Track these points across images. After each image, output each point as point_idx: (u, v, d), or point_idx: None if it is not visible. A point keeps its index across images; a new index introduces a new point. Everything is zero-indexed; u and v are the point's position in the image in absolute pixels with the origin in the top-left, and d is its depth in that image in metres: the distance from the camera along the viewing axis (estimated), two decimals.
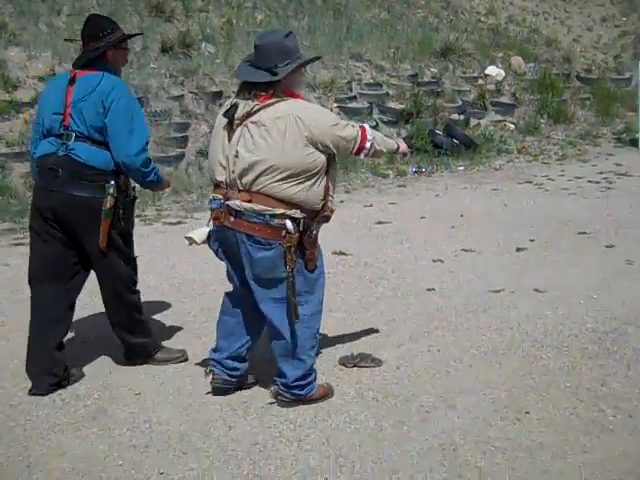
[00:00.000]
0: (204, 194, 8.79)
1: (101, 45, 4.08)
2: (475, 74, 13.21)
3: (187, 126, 9.90)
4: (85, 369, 4.41)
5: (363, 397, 4.08)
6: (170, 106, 9.88)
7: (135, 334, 4.40)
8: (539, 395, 4.05)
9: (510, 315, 5.21)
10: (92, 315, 5.12)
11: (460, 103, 12.40)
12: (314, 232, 3.79)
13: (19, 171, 8.44)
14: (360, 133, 3.84)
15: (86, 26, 4.19)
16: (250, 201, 3.70)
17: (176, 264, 6.38)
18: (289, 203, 3.69)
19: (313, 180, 3.72)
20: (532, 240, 7.05)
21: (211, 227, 3.96)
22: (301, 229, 3.71)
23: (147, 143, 4.13)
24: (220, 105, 10.29)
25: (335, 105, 11.12)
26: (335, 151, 3.77)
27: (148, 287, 5.38)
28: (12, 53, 9.50)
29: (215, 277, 5.86)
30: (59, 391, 4.12)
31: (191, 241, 4.03)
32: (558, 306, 5.34)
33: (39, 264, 4.16)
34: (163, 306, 5.42)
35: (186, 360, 4.53)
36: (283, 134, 3.64)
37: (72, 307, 4.27)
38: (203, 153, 9.69)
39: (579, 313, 5.21)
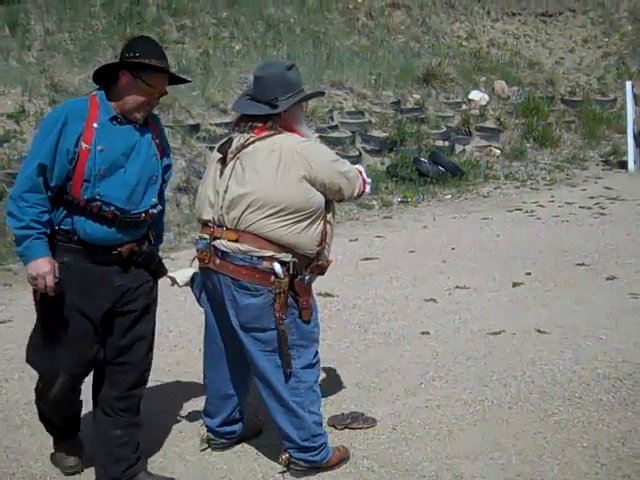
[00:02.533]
0: (182, 232, 8.36)
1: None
2: (458, 99, 12.93)
3: None
4: None
5: (357, 467, 3.63)
6: None
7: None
8: (554, 458, 3.60)
9: (513, 361, 4.79)
10: None
11: (444, 129, 12.09)
12: (307, 278, 3.40)
13: None
14: (359, 174, 3.58)
15: None
16: (237, 240, 3.34)
17: None
18: (279, 245, 3.32)
19: (308, 222, 3.35)
20: (528, 274, 6.66)
21: (196, 269, 3.60)
22: (291, 272, 3.34)
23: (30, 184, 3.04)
24: (197, 139, 9.93)
25: (316, 135, 10.73)
26: (334, 189, 3.43)
27: None
28: None
29: (193, 327, 5.46)
30: None
31: (173, 282, 3.69)
32: (564, 349, 4.93)
33: None
34: None
35: None
36: (276, 167, 3.31)
37: None
38: (180, 189, 9.27)
39: (588, 357, 4.79)
